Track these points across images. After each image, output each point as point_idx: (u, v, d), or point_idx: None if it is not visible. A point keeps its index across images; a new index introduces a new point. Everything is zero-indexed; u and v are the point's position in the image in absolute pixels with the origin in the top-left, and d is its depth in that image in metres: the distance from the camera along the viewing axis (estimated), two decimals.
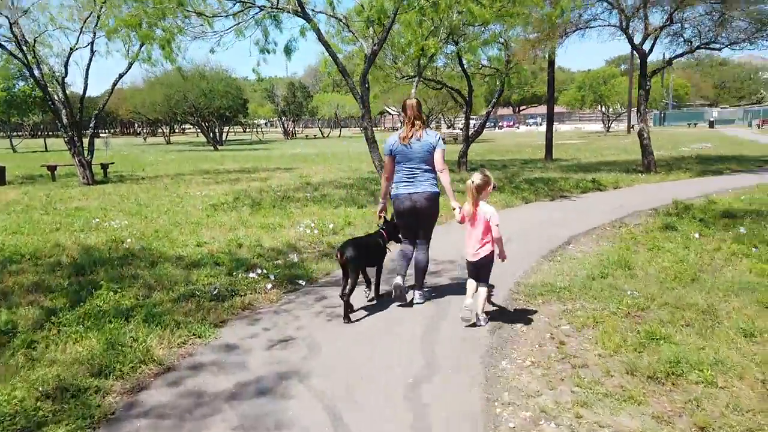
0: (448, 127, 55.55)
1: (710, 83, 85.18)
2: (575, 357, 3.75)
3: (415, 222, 4.83)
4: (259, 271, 5.77)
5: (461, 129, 48.83)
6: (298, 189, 12.79)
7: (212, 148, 37.92)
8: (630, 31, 14.69)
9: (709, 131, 48.82)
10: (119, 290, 5.00)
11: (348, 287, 4.48)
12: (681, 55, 15.98)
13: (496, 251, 4.36)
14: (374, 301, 5.02)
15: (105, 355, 3.71)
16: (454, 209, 4.59)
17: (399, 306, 4.85)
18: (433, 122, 51.57)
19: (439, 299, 5.09)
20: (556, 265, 6.17)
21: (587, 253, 6.69)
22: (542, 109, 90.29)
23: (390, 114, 66.31)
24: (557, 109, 71.38)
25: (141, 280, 5.47)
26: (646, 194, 11.36)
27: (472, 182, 4.23)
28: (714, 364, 3.43)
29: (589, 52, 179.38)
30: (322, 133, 65.37)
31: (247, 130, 66.81)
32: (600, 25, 15.19)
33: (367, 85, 10.89)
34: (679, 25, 16.22)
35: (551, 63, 19.69)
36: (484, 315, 4.44)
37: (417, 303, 4.90)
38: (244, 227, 8.24)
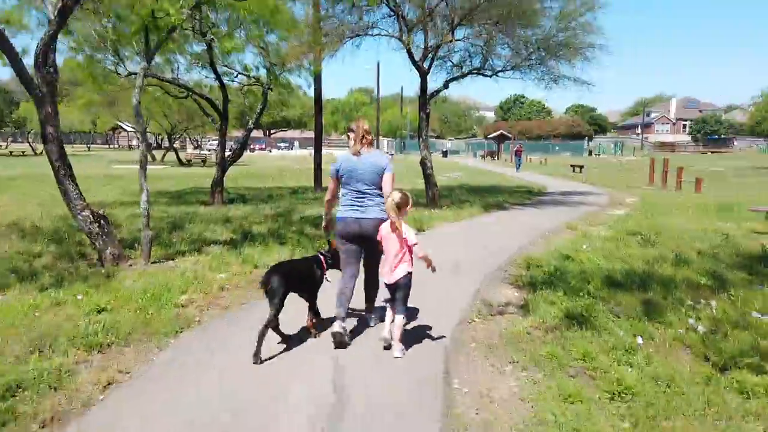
0: (195, 148, 49.86)
1: (436, 117, 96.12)
2: None
3: (360, 248, 4.64)
4: None
5: (210, 150, 43.49)
6: None
7: None
8: (412, 47, 12.91)
9: (446, 161, 53.50)
10: None
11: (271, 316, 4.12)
12: (456, 78, 15.01)
13: (413, 271, 4.24)
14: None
15: None
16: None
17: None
18: (177, 142, 45.25)
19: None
20: None
21: None
22: (292, 133, 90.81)
23: (124, 130, 56.75)
24: (307, 134, 71.67)
25: None
26: (463, 242, 9.05)
27: (392, 200, 4.15)
28: None
29: (341, 77, 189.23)
30: (33, 150, 52.43)
31: None
32: (379, 34, 13.13)
33: (52, 69, 6.35)
34: (447, 48, 15.37)
35: (317, 77, 17.15)
36: (401, 346, 4.22)
37: (371, 326, 4.79)
38: None
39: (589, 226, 10.41)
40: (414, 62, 13.53)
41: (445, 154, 63.18)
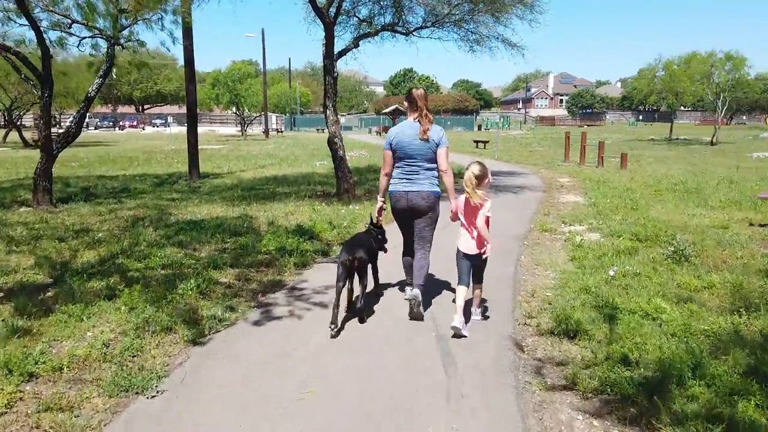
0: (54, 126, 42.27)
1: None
2: None
3: (411, 223, 4.55)
4: None
5: (27, 126, 36.90)
6: None
7: None
8: None
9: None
10: None
11: (361, 291, 4.28)
12: (367, 35, 12.03)
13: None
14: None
15: None
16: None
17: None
18: (22, 118, 37.66)
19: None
20: None
21: None
22: (169, 108, 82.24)
23: None
24: (185, 109, 64.35)
25: None
26: None
27: (472, 173, 4.03)
28: None
29: (220, 53, 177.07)
30: None
31: None
32: None
33: None
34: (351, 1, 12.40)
35: (188, 31, 13.30)
36: (479, 309, 4.35)
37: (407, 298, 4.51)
38: None
39: (562, 223, 8.06)
40: (317, 9, 10.34)
41: None
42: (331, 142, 10.78)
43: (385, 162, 4.51)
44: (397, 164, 4.47)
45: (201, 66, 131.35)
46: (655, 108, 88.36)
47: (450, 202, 4.26)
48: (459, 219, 4.18)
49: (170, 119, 43.90)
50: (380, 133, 53.30)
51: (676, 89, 32.05)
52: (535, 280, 5.25)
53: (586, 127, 73.48)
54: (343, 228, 7.69)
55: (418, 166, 4.36)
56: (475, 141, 31.59)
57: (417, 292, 4.28)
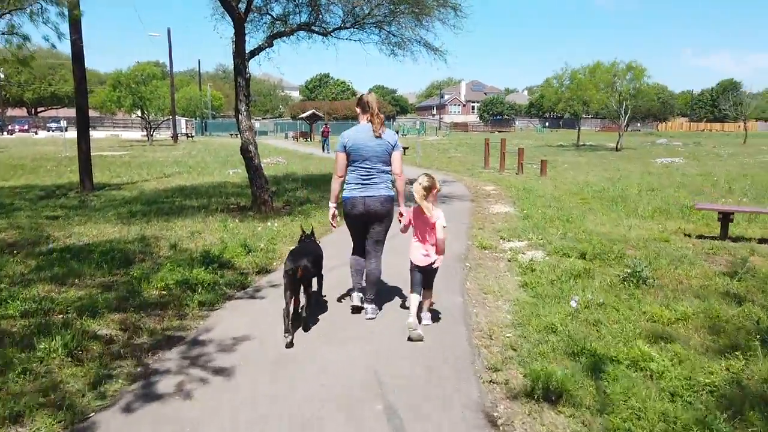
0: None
1: None
2: None
3: (365, 228, 4.51)
4: None
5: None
6: None
7: None
8: None
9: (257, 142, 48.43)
10: None
11: (306, 300, 4.29)
12: (282, 34, 11.01)
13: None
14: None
15: None
16: (400, 215, 4.35)
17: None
18: None
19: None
20: None
21: None
22: (66, 111, 75.80)
23: None
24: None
25: None
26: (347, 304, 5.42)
27: (420, 184, 4.08)
28: None
29: (124, 54, 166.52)
30: None
31: None
32: None
33: None
34: None
35: (75, 25, 11.59)
36: (429, 314, 4.38)
37: (369, 318, 4.47)
38: None
39: (501, 239, 7.49)
40: (225, 3, 9.20)
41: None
42: (244, 151, 9.67)
43: (337, 165, 4.43)
44: (351, 168, 4.42)
45: (102, 67, 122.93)
46: (559, 115, 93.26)
47: (400, 207, 4.36)
48: (409, 230, 4.27)
49: (64, 122, 40.05)
50: (297, 139, 51.81)
51: (583, 97, 33.43)
52: (488, 315, 4.53)
53: (497, 133, 75.96)
54: (260, 251, 6.65)
55: (374, 168, 4.36)
56: None
57: (372, 307, 4.47)
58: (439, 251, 4.12)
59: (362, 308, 4.48)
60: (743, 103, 44.77)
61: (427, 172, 4.16)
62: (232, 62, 9.68)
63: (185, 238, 7.39)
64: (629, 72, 31.75)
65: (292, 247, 4.80)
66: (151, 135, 43.05)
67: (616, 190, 12.15)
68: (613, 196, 11.21)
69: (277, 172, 17.54)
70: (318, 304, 4.64)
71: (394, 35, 11.78)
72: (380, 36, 12.15)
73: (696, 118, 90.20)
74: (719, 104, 59.74)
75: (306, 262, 4.05)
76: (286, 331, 3.90)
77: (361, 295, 4.52)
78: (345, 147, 4.37)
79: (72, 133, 36.06)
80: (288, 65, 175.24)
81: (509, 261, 6.26)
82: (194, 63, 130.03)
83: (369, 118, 4.37)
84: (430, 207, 4.03)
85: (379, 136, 4.29)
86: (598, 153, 30.30)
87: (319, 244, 4.77)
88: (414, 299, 4.12)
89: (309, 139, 51.39)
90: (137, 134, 56.30)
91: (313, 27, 11.66)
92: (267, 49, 10.59)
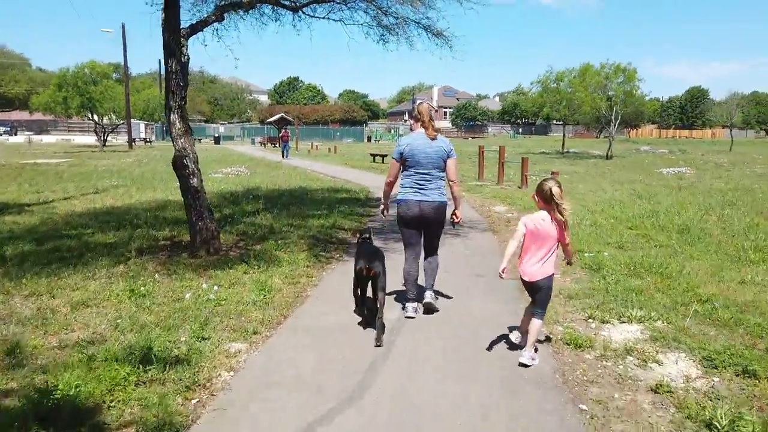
0: None
1: (205, 99, 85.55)
2: None
3: (419, 231, 4.71)
4: None
5: None
6: None
7: None
8: None
9: (219, 148, 45.12)
10: None
11: (381, 304, 4.18)
12: (236, 6, 8.16)
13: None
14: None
15: None
16: (453, 215, 4.69)
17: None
18: None
19: None
20: None
21: None
22: (18, 114, 70.89)
23: None
24: (38, 116, 54.71)
25: None
26: None
27: (550, 188, 3.66)
28: None
29: (78, 54, 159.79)
30: None
31: None
32: None
33: None
34: None
35: None
36: (531, 353, 3.71)
37: (426, 302, 4.70)
38: None
39: (588, 318, 4.70)
40: None
41: (217, 140, 55.68)
42: (178, 166, 6.78)
43: (391, 172, 4.69)
44: (406, 172, 4.63)
45: (49, 65, 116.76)
46: (531, 122, 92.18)
47: (456, 210, 4.71)
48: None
49: (11, 127, 35.81)
50: (264, 144, 48.61)
51: (573, 100, 31.34)
52: None
53: (470, 139, 73.99)
54: (171, 366, 3.61)
55: (430, 174, 4.55)
56: (372, 155, 28.45)
57: (430, 293, 4.71)
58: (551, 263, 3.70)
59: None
60: (730, 111, 43.99)
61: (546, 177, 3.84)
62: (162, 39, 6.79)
63: (60, 316, 4.47)
64: (621, 75, 29.81)
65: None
66: (105, 140, 39.26)
67: (668, 214, 9.52)
68: (678, 225, 8.51)
69: (237, 186, 14.57)
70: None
71: (386, 13, 9.03)
72: (369, 13, 9.40)
73: (665, 125, 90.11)
74: (705, 111, 59.63)
75: (377, 263, 4.12)
76: (359, 313, 4.42)
77: (415, 305, 4.63)
78: (402, 153, 4.57)
79: (17, 138, 32.08)
80: (257, 68, 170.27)
81: (653, 391, 3.40)
82: (155, 64, 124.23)
83: (423, 126, 4.59)
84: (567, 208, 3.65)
85: (434, 138, 4.50)
86: (590, 161, 28.20)
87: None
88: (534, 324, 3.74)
89: (277, 145, 48.31)
90: (91, 139, 52.19)
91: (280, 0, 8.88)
92: (216, 25, 7.77)
